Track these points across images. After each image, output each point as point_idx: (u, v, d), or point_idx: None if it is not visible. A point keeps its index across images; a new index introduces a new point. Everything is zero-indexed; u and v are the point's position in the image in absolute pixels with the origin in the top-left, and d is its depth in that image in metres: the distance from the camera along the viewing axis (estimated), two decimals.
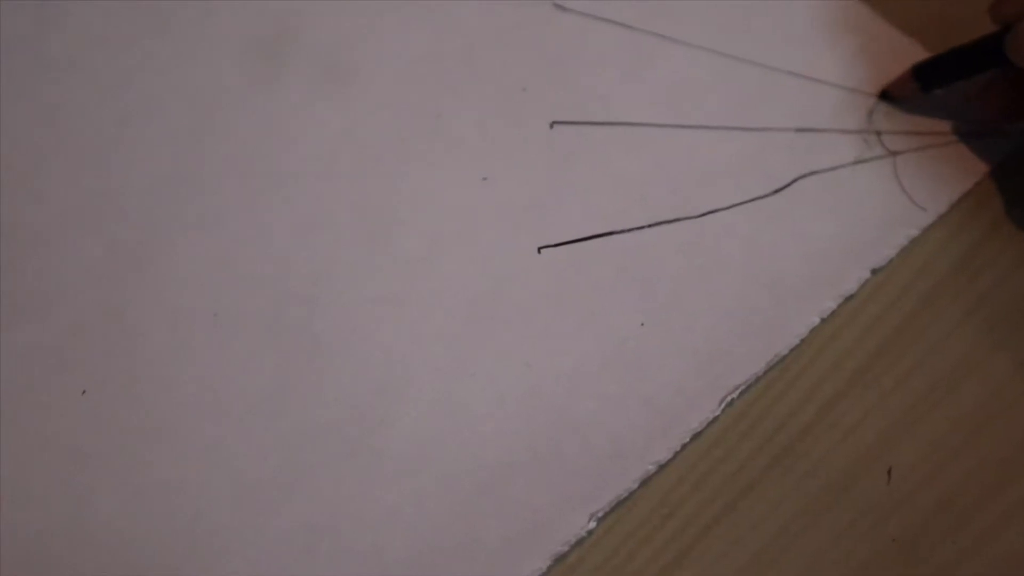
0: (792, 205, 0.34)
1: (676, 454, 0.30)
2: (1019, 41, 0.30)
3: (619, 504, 0.29)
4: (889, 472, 0.30)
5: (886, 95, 0.35)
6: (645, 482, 0.30)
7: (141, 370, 0.31)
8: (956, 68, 0.33)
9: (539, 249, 0.33)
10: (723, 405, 0.31)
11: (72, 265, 0.33)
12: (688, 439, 0.30)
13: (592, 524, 0.29)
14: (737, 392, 0.31)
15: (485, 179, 0.34)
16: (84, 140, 0.36)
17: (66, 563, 0.29)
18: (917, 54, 0.35)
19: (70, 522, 0.29)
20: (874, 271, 0.33)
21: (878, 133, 0.35)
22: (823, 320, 0.32)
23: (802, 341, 0.32)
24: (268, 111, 0.36)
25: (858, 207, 0.33)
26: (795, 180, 0.34)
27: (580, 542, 0.29)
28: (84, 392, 0.31)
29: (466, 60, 0.37)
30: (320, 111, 0.36)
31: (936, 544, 0.29)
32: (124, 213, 0.34)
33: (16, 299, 0.33)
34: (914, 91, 0.35)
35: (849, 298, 0.32)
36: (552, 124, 0.36)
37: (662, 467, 0.30)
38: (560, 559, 0.29)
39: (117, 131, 0.36)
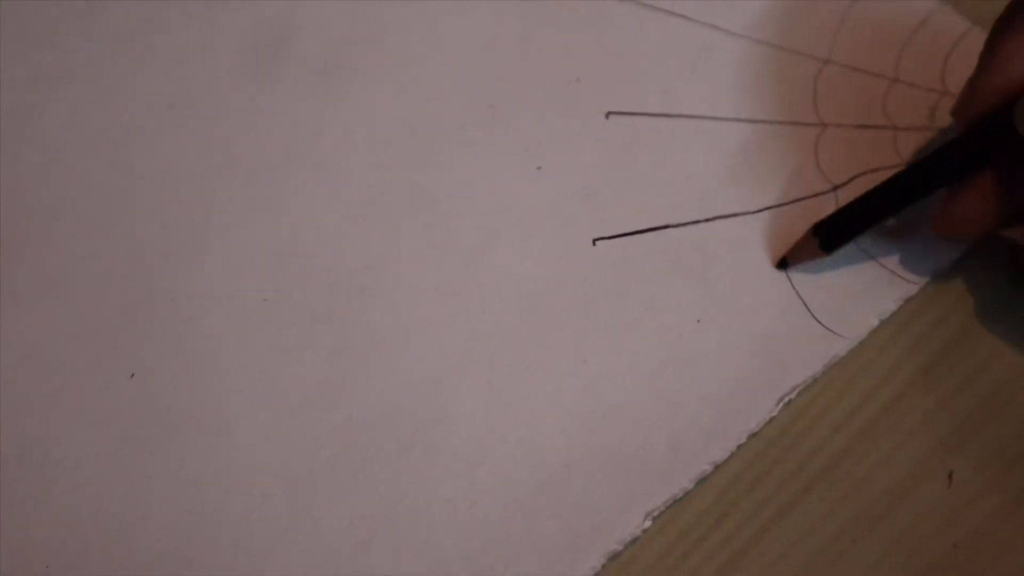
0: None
1: (733, 453, 0.30)
2: None
3: (675, 503, 0.29)
4: (950, 477, 0.29)
5: (784, 264, 0.32)
6: (701, 481, 0.29)
7: (190, 355, 0.31)
8: (868, 214, 0.31)
9: (594, 241, 0.33)
10: (781, 405, 0.30)
11: (123, 248, 0.33)
12: (745, 438, 0.30)
13: (647, 523, 0.29)
14: (795, 392, 0.30)
15: (539, 169, 0.34)
16: (136, 122, 0.35)
17: (114, 551, 0.28)
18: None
19: (119, 508, 0.29)
20: (935, 273, 0.32)
21: None
22: (881, 321, 0.31)
23: (861, 342, 0.31)
24: (323, 99, 0.35)
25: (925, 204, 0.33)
26: (855, 177, 0.34)
27: (635, 540, 0.29)
28: (133, 376, 0.31)
29: (521, 50, 0.36)
30: (375, 100, 0.35)
31: (1000, 551, 0.28)
32: (178, 197, 0.34)
33: (67, 281, 0.32)
34: (815, 251, 0.31)
35: (908, 300, 0.32)
36: (608, 115, 0.35)
37: (719, 466, 0.29)
38: (614, 557, 0.28)
39: (169, 114, 0.35)
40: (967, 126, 0.29)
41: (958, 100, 0.30)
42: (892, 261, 0.32)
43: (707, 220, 0.33)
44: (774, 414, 0.30)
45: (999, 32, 0.29)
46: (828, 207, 0.33)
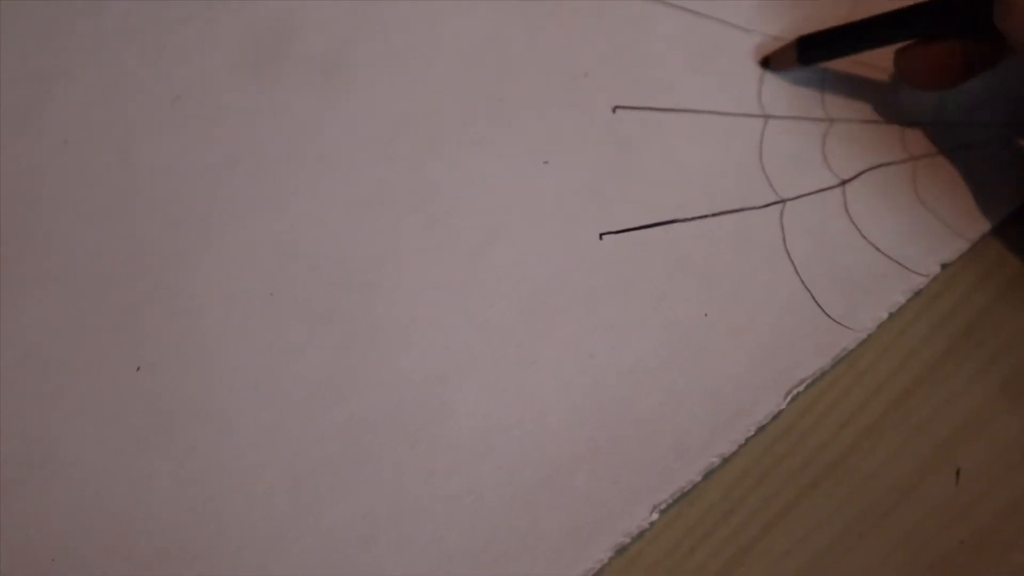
0: (858, 198, 0.33)
1: (740, 447, 0.29)
2: (1013, 7, 0.28)
3: (682, 497, 0.29)
4: (957, 473, 0.29)
5: (766, 63, 0.35)
6: (708, 475, 0.29)
7: (194, 351, 0.31)
8: (847, 40, 0.33)
9: (601, 236, 0.33)
10: (788, 399, 0.30)
11: (127, 244, 0.33)
12: (752, 432, 0.30)
13: (654, 516, 0.28)
14: (803, 386, 0.30)
15: (546, 163, 0.34)
16: (141, 118, 0.35)
17: (118, 545, 0.28)
18: None
19: (122, 504, 0.29)
20: (944, 265, 0.32)
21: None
22: (891, 315, 0.31)
23: (870, 336, 0.31)
24: (327, 95, 0.35)
25: (934, 196, 0.33)
26: (862, 172, 0.33)
27: (641, 534, 0.28)
28: (138, 369, 0.31)
29: (527, 44, 0.36)
30: (380, 95, 0.35)
31: (1007, 547, 0.28)
32: (181, 193, 0.34)
33: (71, 277, 0.32)
34: (792, 62, 0.35)
35: (917, 293, 0.31)
36: (615, 109, 0.35)
37: (726, 460, 0.29)
38: (621, 551, 0.28)
39: (174, 110, 0.35)
40: None
41: None
42: (901, 254, 0.32)
43: (714, 215, 0.33)
44: (782, 407, 0.30)
45: None
46: (836, 202, 0.33)
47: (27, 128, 0.35)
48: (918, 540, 0.28)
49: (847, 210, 0.33)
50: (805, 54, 0.34)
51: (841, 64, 0.35)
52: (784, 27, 0.36)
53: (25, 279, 0.32)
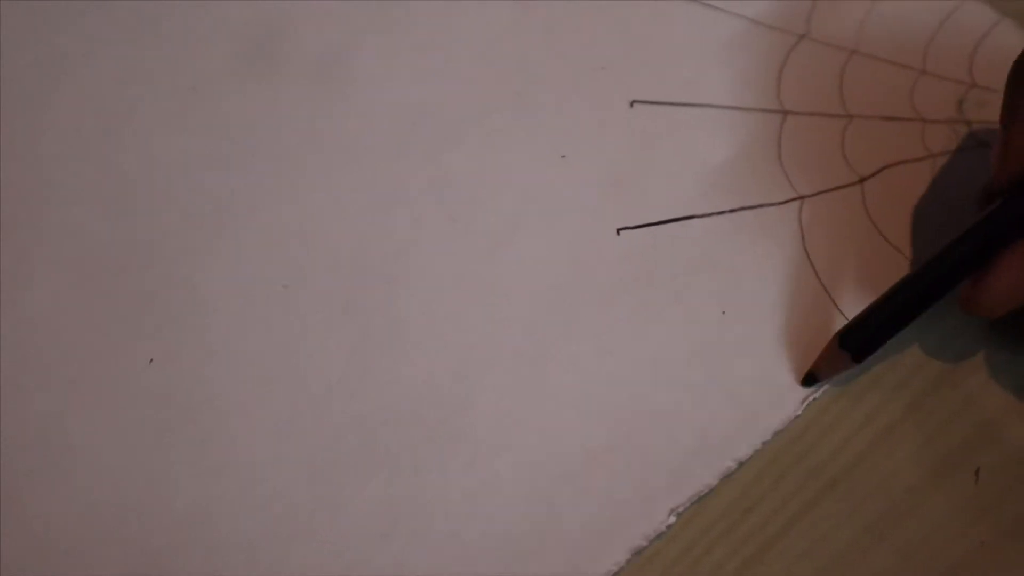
0: (877, 195, 0.33)
1: (757, 451, 0.29)
2: None
3: (699, 500, 0.29)
4: (977, 473, 0.29)
5: (810, 380, 0.30)
6: (725, 477, 0.29)
7: (210, 341, 0.31)
8: (899, 315, 0.29)
9: (619, 231, 0.32)
10: (806, 404, 0.30)
11: (142, 234, 0.33)
12: (770, 436, 0.29)
13: (672, 519, 0.28)
14: (819, 391, 0.30)
15: (564, 157, 0.34)
16: (157, 106, 0.35)
17: (133, 537, 0.28)
18: None
19: (137, 495, 0.29)
20: None
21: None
22: None
23: None
24: (346, 84, 0.35)
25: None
26: (882, 169, 0.33)
27: (658, 536, 0.28)
28: (152, 361, 0.31)
29: (546, 37, 0.36)
30: (400, 86, 0.35)
31: None
32: (197, 182, 0.33)
33: (84, 267, 0.32)
34: (846, 363, 0.29)
35: None
36: (632, 103, 0.35)
37: (742, 464, 0.29)
38: (638, 552, 0.28)
39: (191, 98, 0.35)
40: (1003, 192, 0.27)
41: (995, 169, 0.28)
42: (920, 251, 0.32)
43: (732, 211, 0.33)
44: (799, 413, 0.29)
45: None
46: (855, 199, 0.32)
47: (40, 117, 0.35)
48: (938, 541, 0.28)
49: (866, 207, 0.33)
50: (860, 351, 0.29)
51: (861, 60, 0.35)
52: (801, 22, 0.36)
53: (36, 271, 0.32)
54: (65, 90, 0.35)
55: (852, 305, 0.31)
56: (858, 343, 0.29)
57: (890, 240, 0.32)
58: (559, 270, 0.31)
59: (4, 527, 0.28)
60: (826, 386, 0.30)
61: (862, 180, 0.33)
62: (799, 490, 0.29)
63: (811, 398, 0.30)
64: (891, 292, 0.28)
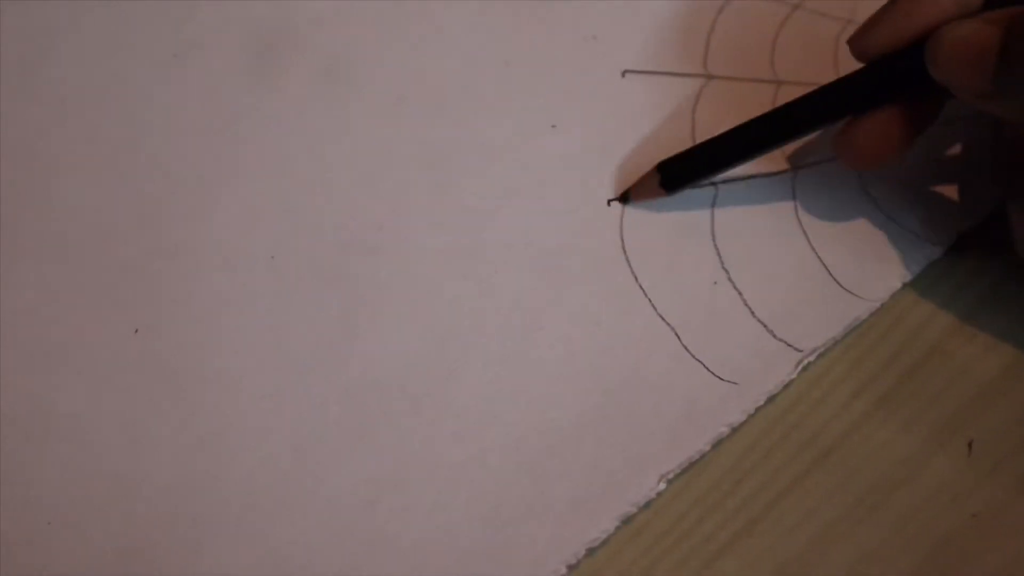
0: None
1: (750, 417, 0.29)
2: (943, 50, 0.26)
3: (690, 467, 0.28)
4: (970, 445, 0.29)
5: (625, 198, 0.31)
6: (717, 445, 0.29)
7: (195, 311, 0.30)
8: (721, 156, 0.30)
9: (609, 202, 0.32)
10: (799, 369, 0.29)
11: (128, 202, 0.32)
12: (763, 401, 0.29)
13: (662, 486, 0.28)
14: (814, 355, 0.30)
15: (554, 127, 0.33)
16: (142, 73, 0.35)
17: (117, 508, 0.28)
18: None
19: (122, 466, 0.28)
20: (959, 235, 0.31)
21: None
22: (904, 285, 0.31)
23: (882, 306, 0.30)
24: (332, 55, 0.35)
25: (950, 165, 0.32)
26: None
27: (648, 504, 0.28)
28: (136, 331, 0.30)
29: (536, 6, 0.35)
30: (387, 55, 0.35)
31: (1019, 521, 0.28)
32: (183, 151, 0.33)
33: (70, 235, 0.32)
34: (658, 191, 0.31)
35: (935, 261, 0.31)
36: (624, 73, 0.34)
37: (735, 430, 0.29)
38: (627, 521, 0.28)
39: (176, 66, 0.34)
40: (868, 59, 0.28)
41: (858, 32, 0.29)
42: (915, 223, 0.31)
43: (724, 182, 0.32)
44: (793, 376, 0.29)
45: None
46: (849, 171, 0.32)
47: (27, 83, 0.34)
48: (930, 513, 0.28)
49: (860, 178, 0.32)
50: (671, 180, 0.31)
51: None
52: None
53: (24, 237, 0.32)
54: (52, 59, 0.35)
55: (846, 276, 0.31)
56: (673, 174, 0.30)
57: (885, 211, 0.32)
58: (548, 240, 0.31)
59: None
60: (820, 350, 0.30)
61: None
62: (791, 461, 0.29)
63: (805, 361, 0.29)
64: (721, 136, 0.30)
